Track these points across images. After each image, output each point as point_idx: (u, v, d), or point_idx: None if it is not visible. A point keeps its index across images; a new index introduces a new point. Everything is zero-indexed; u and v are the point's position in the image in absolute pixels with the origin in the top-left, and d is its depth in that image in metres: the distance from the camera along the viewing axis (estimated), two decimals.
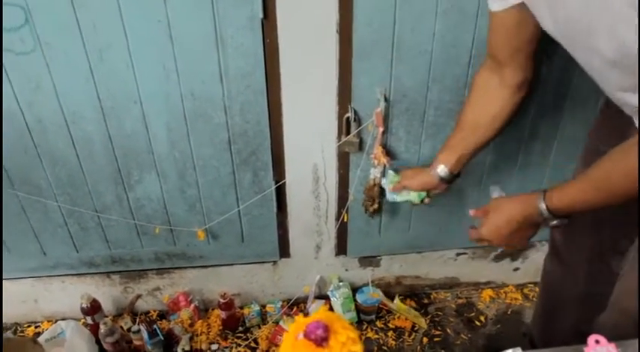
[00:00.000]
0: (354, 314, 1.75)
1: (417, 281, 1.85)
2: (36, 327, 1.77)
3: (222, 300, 1.66)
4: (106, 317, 1.67)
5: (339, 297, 1.73)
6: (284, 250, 1.69)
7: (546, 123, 1.47)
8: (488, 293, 1.87)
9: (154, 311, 1.81)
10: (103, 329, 1.55)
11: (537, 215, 0.94)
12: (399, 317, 1.77)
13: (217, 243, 1.63)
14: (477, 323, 1.77)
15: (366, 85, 1.33)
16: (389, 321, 1.76)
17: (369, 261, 1.76)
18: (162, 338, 1.61)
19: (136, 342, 1.63)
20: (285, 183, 1.51)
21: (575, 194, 0.89)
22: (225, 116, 1.35)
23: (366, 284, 1.78)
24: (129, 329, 1.63)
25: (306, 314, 0.88)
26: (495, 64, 1.04)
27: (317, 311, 0.74)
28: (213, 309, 1.79)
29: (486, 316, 1.79)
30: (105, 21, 1.17)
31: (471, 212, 1.11)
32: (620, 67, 0.76)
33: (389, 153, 1.42)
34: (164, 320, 1.76)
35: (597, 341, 0.73)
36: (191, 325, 1.73)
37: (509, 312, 1.81)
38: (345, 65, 1.30)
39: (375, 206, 1.48)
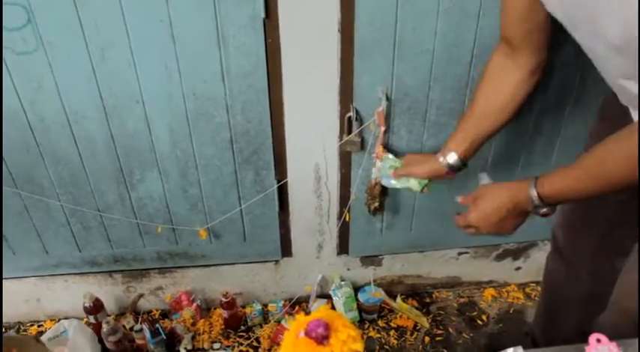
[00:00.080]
0: (355, 313, 1.75)
1: (419, 281, 1.85)
2: (39, 326, 1.78)
3: (224, 299, 1.66)
4: (109, 316, 1.68)
5: (341, 296, 1.73)
6: (286, 249, 1.69)
7: (549, 122, 1.46)
8: (490, 292, 1.87)
9: (157, 310, 1.81)
10: (105, 328, 1.56)
11: (527, 202, 0.92)
12: (400, 317, 1.77)
13: (219, 242, 1.63)
14: (479, 322, 1.77)
15: (367, 84, 1.33)
16: (391, 320, 1.76)
17: (370, 260, 1.76)
18: (165, 337, 1.61)
19: (139, 341, 1.63)
20: (287, 182, 1.51)
21: (567, 181, 0.87)
22: (227, 115, 1.35)
23: (368, 284, 1.78)
24: (131, 328, 1.63)
25: (308, 314, 0.88)
26: (509, 49, 1.02)
27: (318, 309, 0.74)
28: (215, 308, 1.79)
29: (488, 315, 1.79)
30: (107, 20, 1.18)
31: (459, 198, 1.09)
32: (625, 53, 0.74)
33: (391, 152, 1.42)
34: (166, 320, 1.77)
35: (599, 340, 0.73)
36: (193, 324, 1.73)
37: (511, 311, 1.81)
38: (346, 64, 1.30)
39: (377, 204, 1.48)
